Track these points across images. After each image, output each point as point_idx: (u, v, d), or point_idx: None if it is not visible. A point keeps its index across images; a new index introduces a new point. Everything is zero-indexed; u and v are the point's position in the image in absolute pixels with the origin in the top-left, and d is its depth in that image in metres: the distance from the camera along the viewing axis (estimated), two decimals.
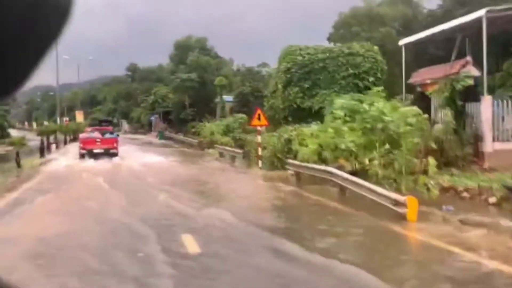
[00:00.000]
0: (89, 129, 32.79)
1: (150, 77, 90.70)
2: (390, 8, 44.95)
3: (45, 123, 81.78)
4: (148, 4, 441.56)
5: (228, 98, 55.65)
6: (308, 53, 29.65)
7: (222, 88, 53.69)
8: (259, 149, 23.04)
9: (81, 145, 29.11)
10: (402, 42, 26.69)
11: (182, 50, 60.95)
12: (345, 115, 17.31)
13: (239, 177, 20.60)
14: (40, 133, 35.12)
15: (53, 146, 34.02)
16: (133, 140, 48.50)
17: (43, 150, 28.37)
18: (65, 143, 42.67)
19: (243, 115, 41.24)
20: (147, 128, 77.30)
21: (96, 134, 29.78)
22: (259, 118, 23.44)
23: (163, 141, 52.31)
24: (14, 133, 60.98)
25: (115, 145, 29.11)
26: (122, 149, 30.69)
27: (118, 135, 32.01)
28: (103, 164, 24.56)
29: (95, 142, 28.90)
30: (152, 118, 71.60)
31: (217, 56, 64.85)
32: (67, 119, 78.81)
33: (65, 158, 28.15)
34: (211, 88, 55.89)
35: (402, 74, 26.10)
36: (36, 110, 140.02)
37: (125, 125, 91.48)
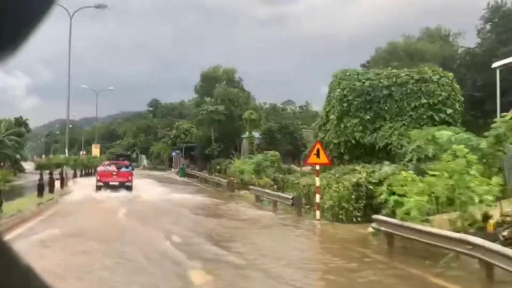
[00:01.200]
0: (106, 162, 34.43)
1: (171, 113, 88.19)
2: (428, 45, 43.85)
3: (61, 156, 78.19)
4: (173, 43, 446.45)
5: (255, 134, 50.79)
6: (368, 79, 24.24)
7: (252, 123, 48.58)
8: (318, 196, 17.29)
9: (98, 178, 30.37)
10: (496, 64, 21.20)
11: (209, 81, 56.11)
12: (467, 153, 11.55)
13: (296, 235, 14.53)
14: (39, 167, 29.94)
15: (58, 182, 28.46)
16: (151, 177, 42.89)
17: (41, 188, 22.89)
18: (74, 178, 37.41)
19: (276, 153, 36.25)
20: (167, 164, 73.43)
21: (112, 168, 31.02)
22: (317, 155, 17.68)
23: (184, 179, 47.08)
24: (27, 166, 58.24)
25: (130, 178, 30.29)
26: (137, 184, 30.54)
27: (133, 169, 33.01)
28: (114, 217, 18.44)
29: (111, 175, 30.13)
30: (173, 153, 68.13)
31: (243, 90, 60.14)
32: (84, 152, 76.71)
33: (68, 200, 22.85)
34: (238, 123, 51.00)
35: (496, 104, 20.62)
36: (55, 143, 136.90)
37: (144, 160, 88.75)
